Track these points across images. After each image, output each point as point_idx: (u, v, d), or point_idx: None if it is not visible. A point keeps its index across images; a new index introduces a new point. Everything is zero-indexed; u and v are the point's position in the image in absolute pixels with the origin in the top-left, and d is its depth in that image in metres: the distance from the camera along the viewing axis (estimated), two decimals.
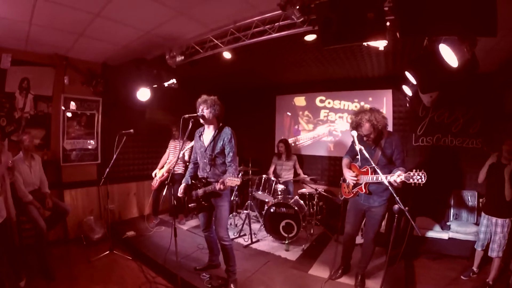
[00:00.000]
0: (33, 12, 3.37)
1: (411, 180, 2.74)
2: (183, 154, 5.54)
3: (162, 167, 5.81)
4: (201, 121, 3.42)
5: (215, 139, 3.42)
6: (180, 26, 3.92)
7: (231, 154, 3.35)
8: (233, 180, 3.04)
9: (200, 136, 3.58)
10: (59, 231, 4.94)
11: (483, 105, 5.22)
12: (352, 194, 3.50)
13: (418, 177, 2.71)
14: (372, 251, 3.59)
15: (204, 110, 3.36)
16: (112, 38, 4.35)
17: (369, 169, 3.30)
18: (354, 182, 3.41)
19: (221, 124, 3.51)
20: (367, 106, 4.67)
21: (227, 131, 3.41)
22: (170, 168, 5.53)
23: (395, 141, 3.27)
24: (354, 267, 3.92)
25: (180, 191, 3.58)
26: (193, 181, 3.64)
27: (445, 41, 2.77)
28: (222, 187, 3.12)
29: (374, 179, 3.18)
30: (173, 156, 5.78)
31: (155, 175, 5.72)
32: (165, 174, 5.58)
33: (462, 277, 3.99)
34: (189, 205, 3.62)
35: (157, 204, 5.82)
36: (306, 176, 6.19)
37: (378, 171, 2.93)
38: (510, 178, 3.56)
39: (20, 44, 4.36)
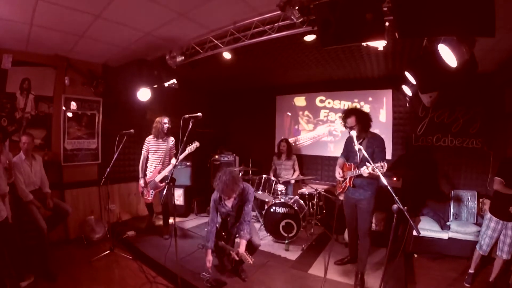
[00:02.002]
0: (34, 14, 3.39)
1: (376, 170, 3.03)
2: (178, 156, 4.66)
3: (145, 174, 5.10)
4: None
5: (238, 203, 3.70)
6: (180, 27, 3.93)
7: (246, 208, 3.67)
8: (247, 258, 3.46)
9: (223, 205, 3.77)
10: (60, 231, 4.94)
11: (483, 105, 5.22)
12: (342, 189, 3.89)
13: (380, 167, 3.04)
14: (368, 246, 3.76)
15: (232, 197, 3.62)
16: (112, 40, 4.36)
17: (352, 165, 3.71)
18: (341, 178, 3.87)
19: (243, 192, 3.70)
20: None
21: (250, 192, 3.71)
22: (167, 174, 4.89)
23: (377, 142, 3.61)
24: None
25: (208, 264, 3.67)
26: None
27: (444, 41, 2.78)
28: (237, 258, 3.54)
29: (355, 173, 3.58)
30: (157, 159, 5.05)
31: (144, 185, 5.04)
32: (161, 185, 4.98)
33: (465, 284, 3.86)
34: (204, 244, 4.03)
35: (152, 209, 5.54)
36: (301, 176, 6.20)
37: (376, 166, 3.07)
38: None
39: (21, 45, 4.38)
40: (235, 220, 3.80)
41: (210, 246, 3.70)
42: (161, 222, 5.68)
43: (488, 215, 3.78)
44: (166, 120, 5.06)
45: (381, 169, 3.05)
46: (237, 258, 3.57)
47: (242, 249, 3.52)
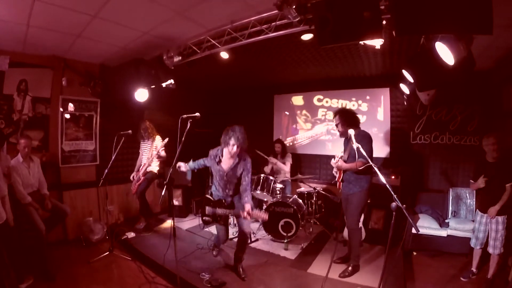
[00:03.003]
0: (31, 14, 3.37)
1: (336, 160, 3.86)
2: (158, 152, 5.32)
3: (139, 170, 5.62)
4: (231, 155, 3.69)
5: (236, 166, 3.76)
6: (177, 27, 3.92)
7: (246, 178, 3.76)
8: (259, 215, 3.56)
9: (218, 162, 3.84)
10: (58, 232, 4.94)
11: (480, 102, 5.24)
12: (338, 183, 4.10)
13: (337, 156, 3.89)
14: (356, 239, 4.01)
15: (234, 148, 3.61)
16: (109, 39, 4.35)
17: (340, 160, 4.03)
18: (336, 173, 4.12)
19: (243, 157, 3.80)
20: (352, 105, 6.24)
21: (249, 161, 3.79)
22: (146, 171, 5.46)
23: (360, 137, 3.64)
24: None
25: (181, 165, 4.01)
26: (209, 197, 4.00)
27: (441, 39, 2.78)
28: (248, 217, 3.57)
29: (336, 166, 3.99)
30: (145, 157, 5.58)
31: (133, 178, 5.60)
32: (142, 178, 5.45)
33: (461, 278, 3.92)
34: (204, 218, 4.00)
35: (145, 206, 5.66)
36: (300, 175, 6.18)
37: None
38: None
39: (18, 46, 4.36)
40: (228, 185, 3.86)
41: (187, 166, 4.06)
42: (160, 224, 5.72)
43: (479, 211, 3.93)
44: (142, 126, 5.55)
45: (336, 158, 3.88)
46: (249, 218, 3.60)
47: (249, 209, 3.56)
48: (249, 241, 3.88)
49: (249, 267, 4.04)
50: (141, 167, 5.55)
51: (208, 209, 3.93)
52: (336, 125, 4.02)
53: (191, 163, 4.13)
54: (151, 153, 5.43)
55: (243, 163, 3.75)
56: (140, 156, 5.72)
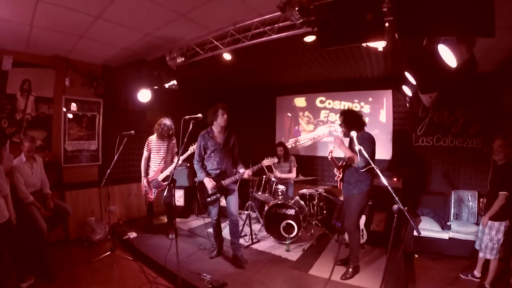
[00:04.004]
0: (34, 15, 3.40)
1: (331, 153, 4.11)
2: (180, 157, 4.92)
3: (147, 173, 5.10)
4: (222, 126, 4.10)
5: (228, 138, 4.17)
6: (180, 28, 3.94)
7: (236, 150, 4.28)
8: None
9: (211, 137, 4.14)
10: (60, 232, 4.95)
11: (482, 104, 5.22)
12: (339, 183, 4.16)
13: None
14: (355, 240, 3.97)
15: (224, 116, 4.03)
16: (112, 40, 4.37)
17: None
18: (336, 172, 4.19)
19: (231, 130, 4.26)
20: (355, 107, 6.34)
21: (233, 134, 4.25)
22: (169, 173, 4.93)
23: (362, 139, 3.64)
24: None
25: (212, 186, 4.08)
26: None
27: (444, 42, 2.78)
28: (251, 173, 4.09)
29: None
30: (159, 158, 5.06)
31: (147, 184, 5.03)
32: (163, 184, 5.00)
33: (460, 275, 3.94)
34: (208, 199, 4.15)
35: (152, 210, 5.64)
36: (301, 177, 6.18)
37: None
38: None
39: (21, 46, 4.39)
40: (225, 156, 4.18)
41: (204, 176, 4.13)
42: (160, 223, 5.71)
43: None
44: (168, 122, 5.03)
45: (330, 148, 4.14)
46: (251, 174, 4.13)
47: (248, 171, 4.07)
48: (239, 225, 4.24)
49: (250, 268, 4.04)
50: (158, 170, 5.05)
51: (213, 189, 4.10)
52: (340, 125, 4.07)
53: (199, 174, 4.21)
54: (169, 154, 5.12)
55: (233, 135, 4.24)
56: (146, 155, 5.08)
